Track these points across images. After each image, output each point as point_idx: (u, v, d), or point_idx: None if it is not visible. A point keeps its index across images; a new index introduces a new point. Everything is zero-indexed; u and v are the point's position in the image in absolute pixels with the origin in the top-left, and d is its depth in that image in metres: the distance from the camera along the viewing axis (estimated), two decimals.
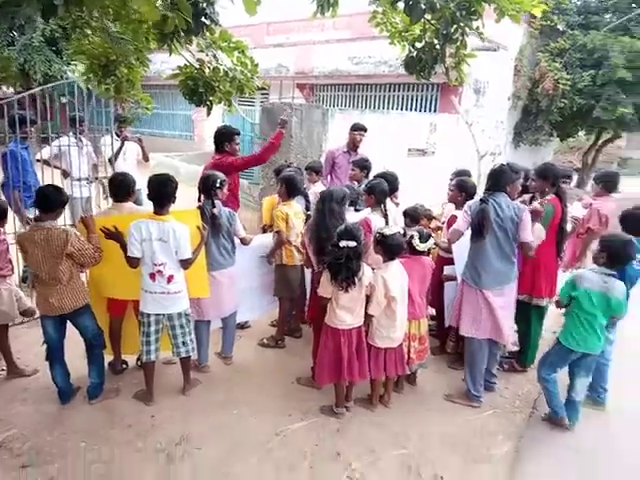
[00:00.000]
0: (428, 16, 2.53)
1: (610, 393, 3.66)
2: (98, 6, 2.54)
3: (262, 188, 6.62)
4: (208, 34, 2.81)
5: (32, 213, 4.91)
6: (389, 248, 3.25)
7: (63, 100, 5.29)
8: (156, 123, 15.91)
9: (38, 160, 5.21)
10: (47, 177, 4.91)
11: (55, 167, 5.28)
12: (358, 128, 5.67)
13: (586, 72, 11.98)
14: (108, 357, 3.64)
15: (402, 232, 3.43)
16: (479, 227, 3.35)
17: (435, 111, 10.79)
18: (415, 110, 11.08)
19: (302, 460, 2.93)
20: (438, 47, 2.72)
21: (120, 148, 5.88)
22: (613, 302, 3.13)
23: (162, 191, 3.18)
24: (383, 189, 3.81)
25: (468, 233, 3.51)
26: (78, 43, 3.35)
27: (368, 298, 3.27)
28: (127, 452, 2.91)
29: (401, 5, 2.60)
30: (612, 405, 3.64)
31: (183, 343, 3.36)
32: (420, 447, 3.11)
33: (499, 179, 3.44)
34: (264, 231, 4.53)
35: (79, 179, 5.24)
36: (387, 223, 3.76)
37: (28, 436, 2.99)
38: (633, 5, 12.62)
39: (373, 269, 3.31)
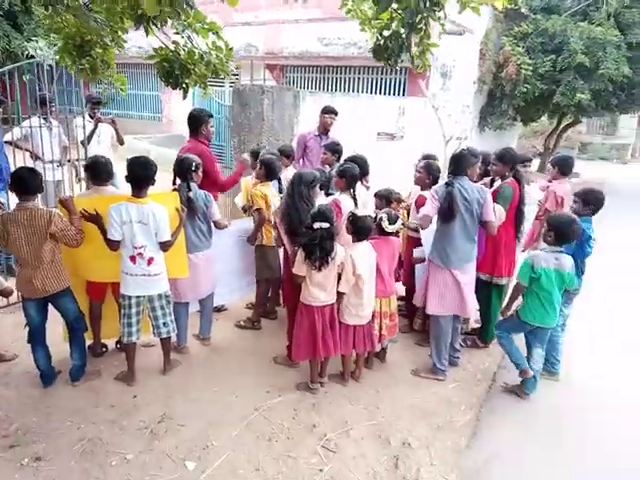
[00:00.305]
0: (395, 5, 2.66)
1: (562, 364, 3.99)
2: None
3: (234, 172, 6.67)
4: (183, 15, 2.84)
5: (3, 197, 4.88)
6: (358, 229, 3.43)
7: (26, 78, 5.17)
8: (123, 104, 15.51)
9: (7, 142, 5.12)
10: (18, 160, 4.89)
11: (26, 149, 5.21)
12: (329, 111, 5.71)
13: (547, 57, 12.34)
14: (88, 341, 3.71)
15: (372, 215, 3.60)
16: (448, 210, 3.55)
17: (404, 94, 10.96)
18: (384, 93, 11.22)
19: (280, 432, 3.12)
20: (404, 36, 2.86)
21: (93, 130, 5.82)
22: (566, 277, 3.44)
23: (141, 174, 3.25)
24: (354, 173, 3.97)
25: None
26: (51, 21, 3.32)
27: (339, 276, 3.45)
28: (112, 430, 3.04)
29: None
30: (564, 375, 3.98)
31: (164, 324, 3.47)
32: (390, 418, 3.35)
33: (460, 163, 3.64)
34: (244, 211, 4.62)
35: (51, 162, 5.17)
36: (356, 206, 3.93)
37: (14, 418, 3.07)
38: None
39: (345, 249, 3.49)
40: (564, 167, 4.80)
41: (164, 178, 3.79)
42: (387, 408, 3.46)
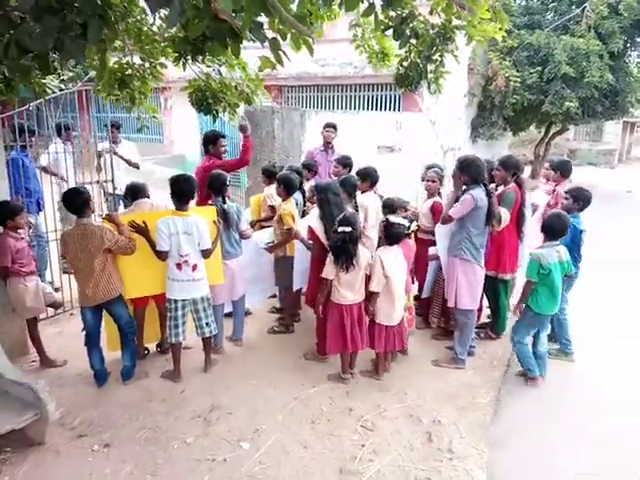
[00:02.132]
0: (413, 40, 3.08)
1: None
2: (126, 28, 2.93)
3: (248, 188, 7.03)
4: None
5: (33, 218, 5.20)
6: (391, 234, 3.75)
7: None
8: (126, 126, 15.90)
9: (44, 168, 5.47)
10: (45, 183, 5.23)
11: (52, 174, 5.54)
12: (328, 125, 6.33)
13: (533, 69, 12.91)
14: None
15: (406, 223, 3.88)
16: (489, 214, 3.90)
17: (399, 110, 11.42)
18: (380, 109, 11.68)
19: (320, 416, 3.42)
20: (421, 66, 3.28)
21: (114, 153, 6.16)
22: (565, 264, 3.83)
23: (184, 189, 3.60)
24: (354, 183, 4.34)
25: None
26: (96, 58, 3.69)
27: (369, 277, 3.77)
28: (168, 420, 3.32)
29: (390, 32, 3.14)
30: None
31: (207, 324, 3.78)
32: (418, 401, 3.66)
33: (482, 171, 3.96)
34: (252, 226, 4.95)
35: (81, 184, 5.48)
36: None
37: (76, 413, 3.35)
38: (572, 7, 13.67)
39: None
40: (565, 170, 5.19)
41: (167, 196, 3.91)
42: (414, 393, 3.76)
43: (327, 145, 6.25)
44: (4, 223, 3.72)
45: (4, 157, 4.17)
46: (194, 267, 3.62)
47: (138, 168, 6.65)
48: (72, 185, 5.53)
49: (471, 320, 4.12)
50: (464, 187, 3.96)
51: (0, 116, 4.43)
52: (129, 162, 6.48)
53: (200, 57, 3.36)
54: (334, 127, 6.30)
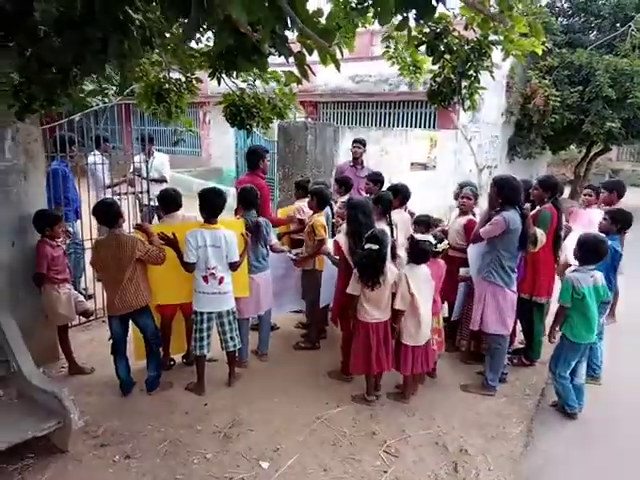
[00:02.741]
0: (447, 56, 3.03)
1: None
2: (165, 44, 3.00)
3: (279, 201, 7.05)
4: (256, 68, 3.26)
5: (71, 226, 5.35)
6: (417, 253, 3.68)
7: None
8: (164, 139, 16.34)
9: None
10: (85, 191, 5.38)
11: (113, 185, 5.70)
12: (356, 141, 6.36)
13: (574, 88, 12.60)
14: None
15: (432, 240, 3.80)
16: (523, 236, 3.78)
17: (434, 127, 11.33)
18: (414, 126, 11.62)
19: (342, 438, 3.33)
20: (455, 82, 3.22)
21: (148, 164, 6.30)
22: (601, 290, 3.64)
23: (215, 203, 3.62)
24: (388, 200, 4.27)
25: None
26: (134, 72, 3.79)
27: (394, 295, 3.69)
28: (189, 433, 3.30)
29: (423, 48, 3.10)
30: (609, 384, 4.16)
31: (231, 338, 3.77)
32: (445, 427, 3.52)
33: (519, 192, 3.83)
34: (279, 239, 4.95)
35: (114, 194, 5.63)
36: (392, 232, 4.19)
37: (100, 421, 3.37)
38: (616, 24, 13.32)
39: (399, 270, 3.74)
40: (620, 190, 5.01)
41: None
42: (441, 419, 3.63)
43: (356, 161, 6.26)
44: (42, 231, 3.83)
45: (45, 167, 4.30)
46: (221, 280, 3.62)
47: (165, 181, 6.74)
48: (108, 195, 5.71)
49: (503, 346, 3.96)
50: (498, 208, 3.84)
51: (43, 127, 4.58)
52: (154, 180, 6.55)
53: (233, 72, 3.39)
54: (362, 143, 6.32)
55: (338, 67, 2.17)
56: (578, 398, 3.80)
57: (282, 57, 2.04)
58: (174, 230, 3.66)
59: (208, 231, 3.59)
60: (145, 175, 5.59)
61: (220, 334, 3.76)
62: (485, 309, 3.88)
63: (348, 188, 5.19)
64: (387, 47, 4.69)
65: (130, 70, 3.01)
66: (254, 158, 4.73)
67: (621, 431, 3.60)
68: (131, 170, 5.93)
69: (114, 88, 5.50)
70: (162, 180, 6.70)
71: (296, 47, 2.06)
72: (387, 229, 4.16)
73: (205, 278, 3.60)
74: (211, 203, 3.62)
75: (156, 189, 5.45)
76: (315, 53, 2.15)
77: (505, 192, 3.79)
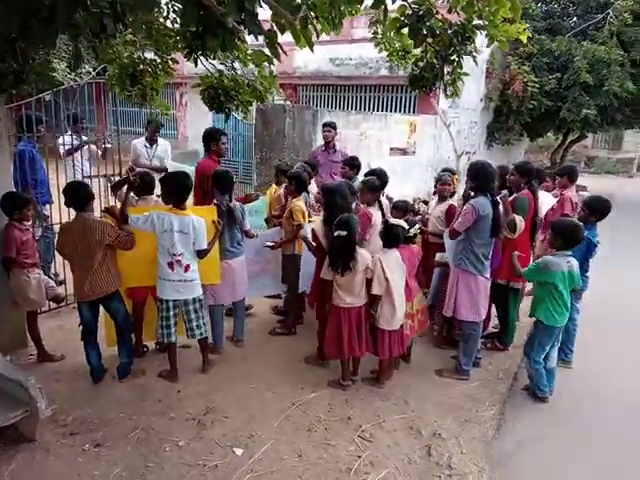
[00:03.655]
0: (429, 40, 2.96)
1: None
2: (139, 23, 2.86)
3: (257, 185, 6.97)
4: (235, 49, 3.15)
5: (46, 210, 5.18)
6: (390, 237, 3.67)
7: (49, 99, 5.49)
8: (139, 121, 15.95)
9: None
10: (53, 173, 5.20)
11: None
12: (326, 125, 6.26)
13: (552, 75, 12.69)
14: None
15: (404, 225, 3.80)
16: (496, 224, 3.76)
17: (414, 112, 11.29)
18: (394, 111, 11.56)
19: (317, 424, 3.33)
20: (438, 66, 3.16)
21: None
22: (575, 277, 3.68)
23: (180, 187, 3.53)
24: (381, 184, 4.25)
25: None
26: (105, 52, 3.64)
27: (370, 281, 3.67)
28: (162, 421, 3.26)
29: (405, 30, 3.03)
30: (580, 366, 4.26)
31: (197, 326, 3.69)
32: (419, 412, 3.55)
33: (493, 179, 3.84)
34: (267, 222, 4.89)
35: (88, 176, 5.45)
36: (383, 216, 4.18)
37: (70, 409, 3.30)
38: (595, 13, 13.40)
39: (373, 256, 3.72)
40: (572, 174, 5.10)
41: None
42: (415, 404, 3.65)
43: (327, 145, 6.19)
44: (11, 215, 3.69)
45: (10, 148, 4.13)
46: (187, 267, 3.54)
47: (166, 171, 6.52)
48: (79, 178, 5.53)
49: (477, 331, 4.00)
50: (470, 194, 3.84)
51: (8, 106, 4.39)
52: (157, 168, 6.33)
53: (211, 53, 3.28)
54: (332, 126, 6.23)
55: (312, 48, 2.10)
56: (549, 381, 3.86)
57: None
58: (143, 212, 3.55)
59: (176, 216, 3.49)
60: (148, 162, 5.37)
61: (185, 322, 3.68)
62: (458, 296, 3.90)
63: (315, 170, 5.16)
64: (374, 33, 4.59)
65: (83, 40, 2.80)
66: (207, 141, 4.58)
67: (589, 414, 3.68)
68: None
69: (86, 67, 5.30)
70: (163, 170, 6.19)
71: (268, 26, 1.98)
72: (379, 213, 4.14)
73: (170, 265, 3.51)
74: (177, 187, 3.52)
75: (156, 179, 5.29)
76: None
77: (477, 178, 3.78)
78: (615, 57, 11.93)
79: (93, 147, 5.89)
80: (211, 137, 4.66)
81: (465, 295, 3.88)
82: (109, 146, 5.63)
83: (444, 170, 5.12)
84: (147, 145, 5.96)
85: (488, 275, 3.94)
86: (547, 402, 3.80)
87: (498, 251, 4.19)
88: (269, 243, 4.51)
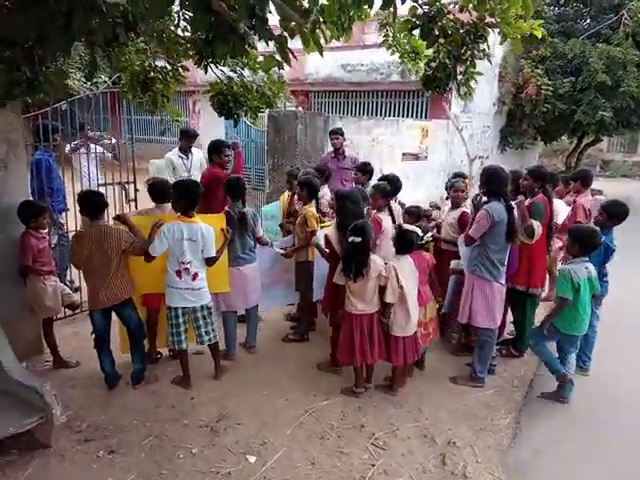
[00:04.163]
0: (441, 40, 2.95)
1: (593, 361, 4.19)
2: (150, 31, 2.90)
3: (269, 192, 6.99)
4: (244, 56, 3.18)
5: (62, 218, 5.25)
6: (403, 243, 3.65)
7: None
8: (152, 129, 16.13)
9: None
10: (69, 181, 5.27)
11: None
12: (333, 132, 6.23)
13: (566, 78, 12.57)
14: None
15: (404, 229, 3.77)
16: (511, 230, 3.71)
17: (426, 117, 11.25)
18: (406, 116, 11.54)
19: (330, 431, 3.31)
20: (450, 66, 3.14)
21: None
22: (594, 282, 3.64)
23: (190, 195, 3.55)
24: (391, 190, 4.22)
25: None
26: (118, 60, 3.69)
27: (383, 288, 3.65)
28: (175, 428, 3.26)
29: (417, 31, 3.02)
30: (597, 373, 4.17)
31: (206, 332, 3.70)
32: (433, 420, 3.51)
33: (505, 184, 3.80)
34: (281, 227, 4.90)
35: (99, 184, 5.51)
36: (394, 222, 4.16)
37: (84, 416, 3.32)
38: (609, 13, 13.25)
39: (386, 263, 3.70)
40: (585, 179, 5.02)
41: None
42: (429, 411, 3.61)
43: (337, 151, 6.17)
44: (27, 223, 3.74)
45: (26, 158, 4.20)
46: (194, 276, 3.55)
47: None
48: (94, 186, 5.60)
49: (492, 338, 3.95)
50: (484, 199, 3.80)
51: (25, 116, 4.47)
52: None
53: (221, 60, 3.31)
54: (340, 133, 6.20)
55: (321, 52, 2.10)
56: (567, 389, 3.80)
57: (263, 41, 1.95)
58: (155, 221, 3.57)
59: (185, 224, 3.51)
60: (187, 174, 5.36)
61: (195, 329, 3.69)
62: (473, 303, 3.85)
63: (327, 177, 5.15)
64: (385, 35, 4.58)
65: (98, 48, 2.81)
66: (210, 153, 4.66)
67: (608, 423, 3.60)
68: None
69: (102, 77, 5.38)
70: None
71: (278, 32, 1.98)
72: (389, 219, 4.12)
73: (178, 273, 3.52)
74: (187, 195, 3.54)
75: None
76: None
77: (491, 183, 3.75)
78: (631, 58, 11.80)
79: (102, 150, 5.95)
80: (214, 149, 4.75)
81: (480, 302, 3.83)
82: (122, 142, 5.67)
83: (455, 175, 5.09)
84: (182, 156, 5.86)
85: (503, 281, 3.90)
86: (568, 382, 3.74)
87: (515, 256, 4.14)
88: (281, 250, 4.51)
